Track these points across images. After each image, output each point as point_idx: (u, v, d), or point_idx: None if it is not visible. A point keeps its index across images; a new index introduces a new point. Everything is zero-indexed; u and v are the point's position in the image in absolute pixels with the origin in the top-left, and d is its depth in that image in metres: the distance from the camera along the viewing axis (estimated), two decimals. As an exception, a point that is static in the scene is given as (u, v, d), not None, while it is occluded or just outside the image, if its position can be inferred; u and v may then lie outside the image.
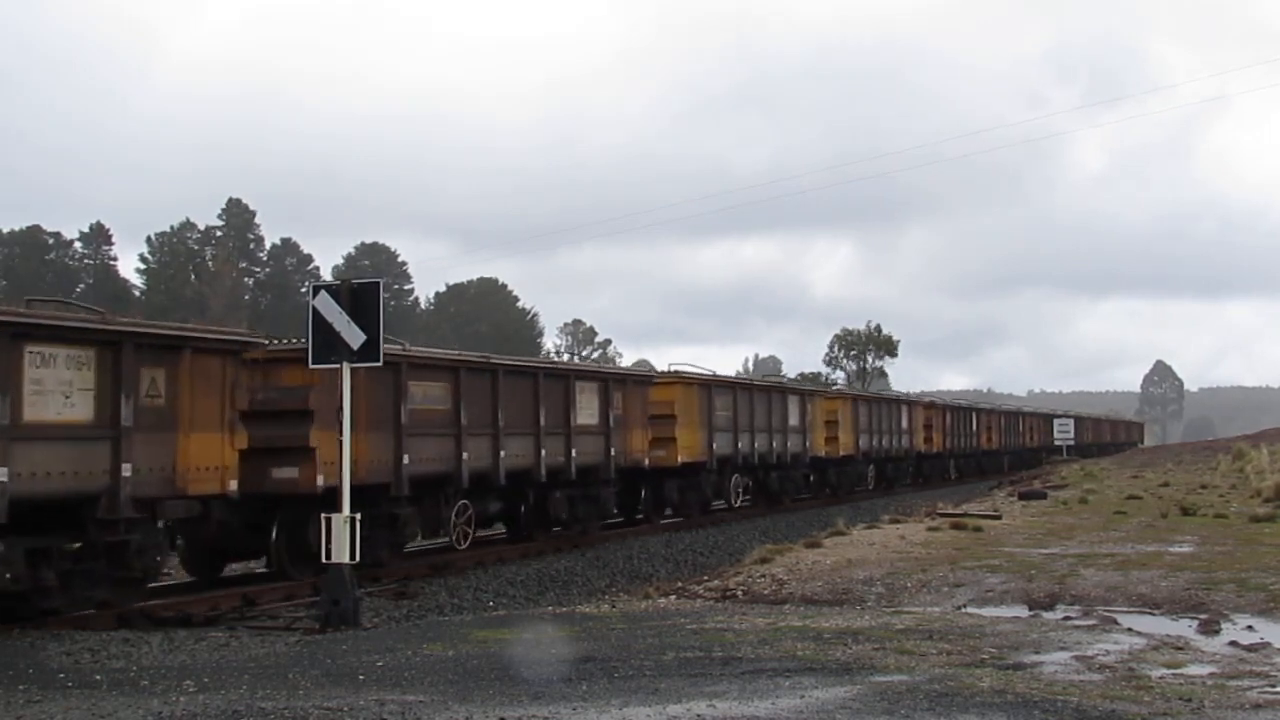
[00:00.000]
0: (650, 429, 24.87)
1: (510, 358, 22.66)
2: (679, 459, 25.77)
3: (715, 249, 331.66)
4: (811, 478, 35.47)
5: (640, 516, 26.05)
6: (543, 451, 20.55)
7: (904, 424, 43.32)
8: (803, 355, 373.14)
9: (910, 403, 46.25)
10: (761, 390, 31.36)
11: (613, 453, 22.94)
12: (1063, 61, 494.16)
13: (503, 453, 19.48)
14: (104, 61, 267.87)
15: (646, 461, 24.53)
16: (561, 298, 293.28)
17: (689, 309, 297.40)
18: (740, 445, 28.92)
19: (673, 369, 27.79)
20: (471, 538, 19.48)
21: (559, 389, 21.38)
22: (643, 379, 26.14)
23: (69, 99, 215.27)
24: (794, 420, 32.77)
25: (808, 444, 33.62)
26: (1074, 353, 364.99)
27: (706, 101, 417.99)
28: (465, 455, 18.43)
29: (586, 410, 22.21)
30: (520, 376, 20.44)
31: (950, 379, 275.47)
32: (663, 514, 26.74)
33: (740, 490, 30.33)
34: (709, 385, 27.73)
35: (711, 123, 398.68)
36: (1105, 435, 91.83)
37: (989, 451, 56.14)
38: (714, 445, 27.37)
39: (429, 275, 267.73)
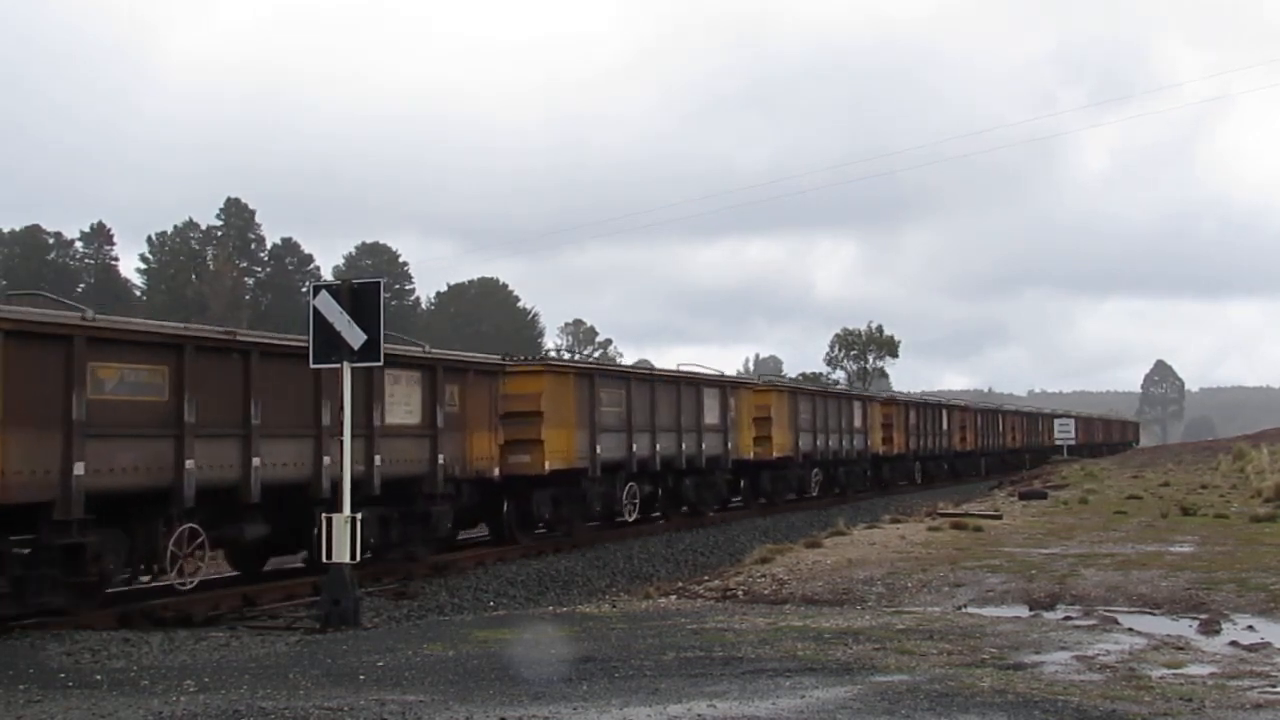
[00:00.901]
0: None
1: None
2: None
3: (718, 249, 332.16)
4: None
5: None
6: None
7: (857, 423, 38.21)
8: (804, 355, 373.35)
9: (865, 399, 41.34)
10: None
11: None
12: (1066, 62, 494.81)
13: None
14: (108, 61, 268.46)
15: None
16: (565, 298, 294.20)
17: (691, 309, 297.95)
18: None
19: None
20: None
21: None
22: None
23: (72, 98, 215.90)
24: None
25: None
26: (1075, 353, 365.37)
27: (711, 102, 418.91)
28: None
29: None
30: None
31: (951, 379, 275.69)
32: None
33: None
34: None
35: (716, 123, 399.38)
36: (1098, 435, 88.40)
37: (963, 453, 51.71)
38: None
39: (432, 275, 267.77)
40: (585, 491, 22.33)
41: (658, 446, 24.75)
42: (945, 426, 48.71)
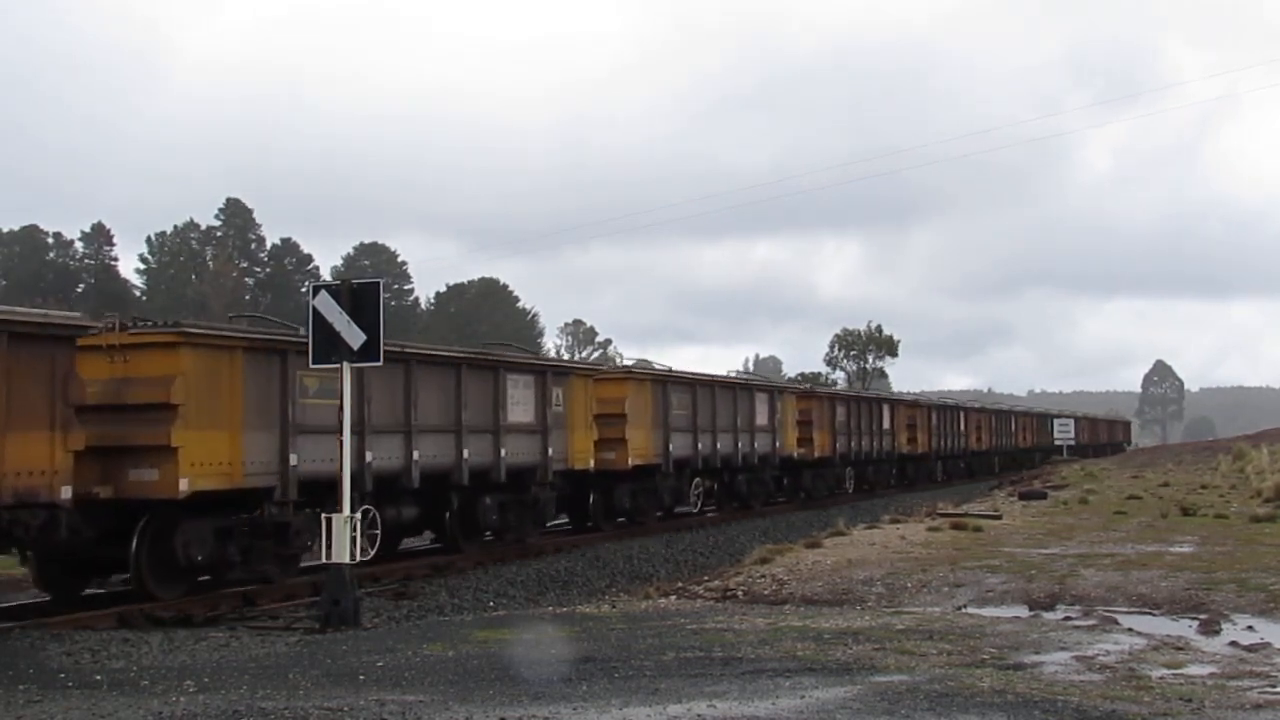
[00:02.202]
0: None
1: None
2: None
3: (721, 249, 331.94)
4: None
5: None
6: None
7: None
8: (805, 355, 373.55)
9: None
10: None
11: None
12: (1069, 63, 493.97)
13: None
14: (108, 61, 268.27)
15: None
16: (567, 298, 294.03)
17: (693, 309, 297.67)
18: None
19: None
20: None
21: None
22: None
23: (72, 97, 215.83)
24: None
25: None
26: (1076, 353, 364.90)
27: (717, 102, 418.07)
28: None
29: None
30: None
31: (952, 379, 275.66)
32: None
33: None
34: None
35: (720, 124, 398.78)
36: (1084, 435, 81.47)
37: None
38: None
39: (435, 275, 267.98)
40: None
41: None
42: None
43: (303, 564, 16.13)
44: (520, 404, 19.91)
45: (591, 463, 22.28)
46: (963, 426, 51.66)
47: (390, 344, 14.68)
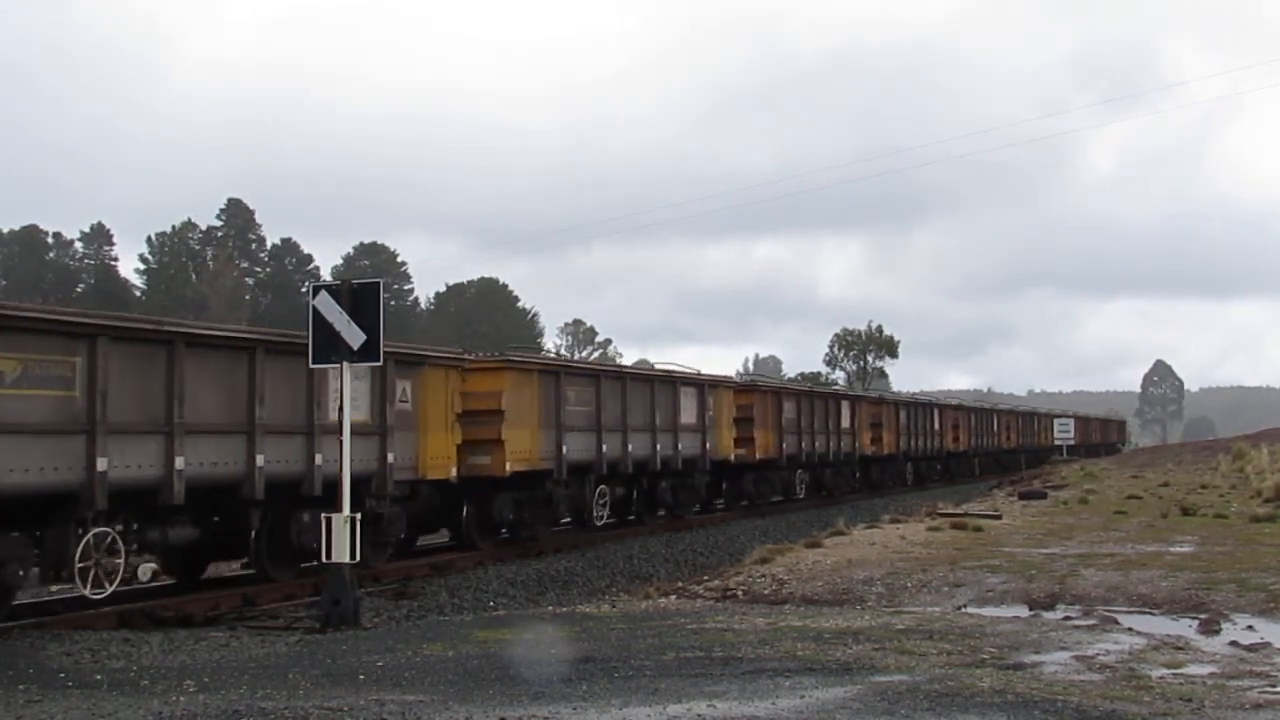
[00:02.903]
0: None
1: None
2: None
3: (723, 249, 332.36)
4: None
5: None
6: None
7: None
8: (806, 355, 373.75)
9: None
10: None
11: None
12: (1073, 63, 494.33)
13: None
14: (108, 61, 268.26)
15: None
16: (569, 298, 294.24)
17: (695, 309, 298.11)
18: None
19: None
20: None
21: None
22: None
23: (75, 97, 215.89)
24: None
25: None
26: (1077, 353, 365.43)
27: (722, 104, 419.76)
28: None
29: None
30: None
31: (954, 379, 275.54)
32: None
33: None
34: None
35: (724, 125, 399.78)
36: (1044, 436, 74.27)
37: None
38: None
39: (436, 275, 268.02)
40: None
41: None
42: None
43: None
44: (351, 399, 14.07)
45: (453, 470, 18.48)
46: (938, 425, 47.90)
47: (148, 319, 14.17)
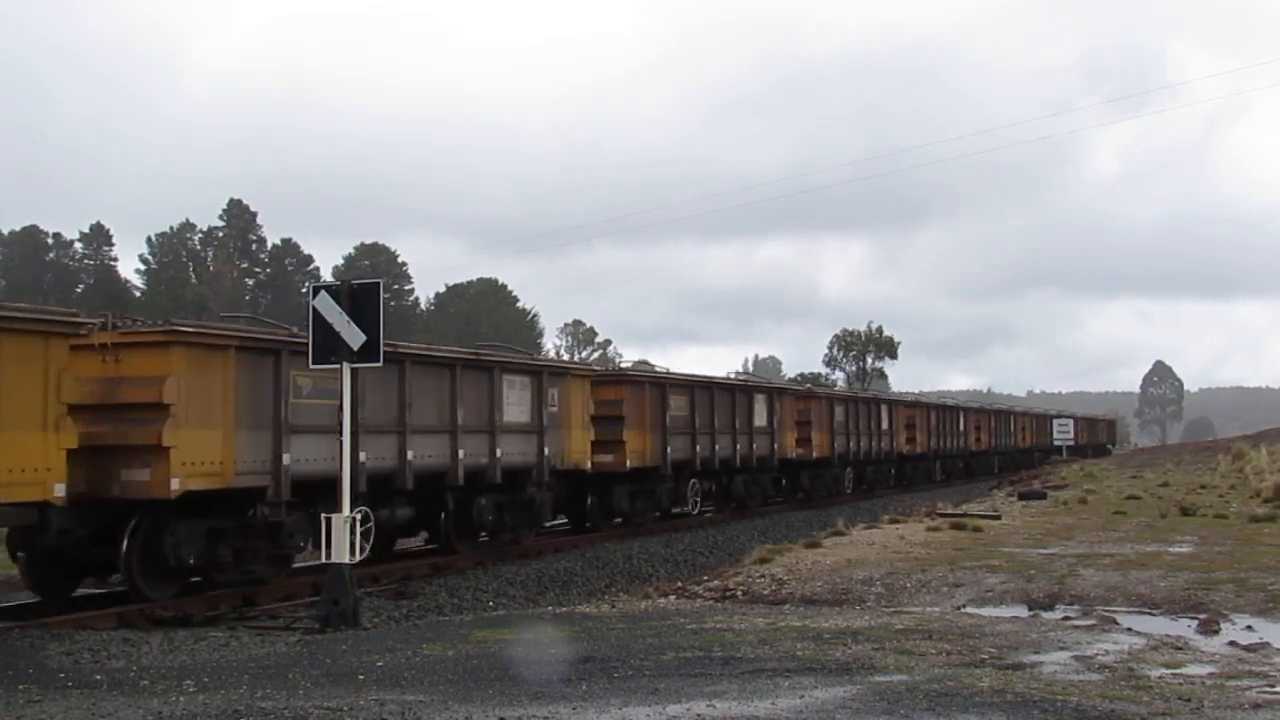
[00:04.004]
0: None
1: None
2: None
3: (725, 250, 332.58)
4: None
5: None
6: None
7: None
8: (808, 356, 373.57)
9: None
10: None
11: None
12: (1076, 64, 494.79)
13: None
14: (109, 61, 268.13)
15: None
16: (570, 299, 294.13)
17: (696, 310, 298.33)
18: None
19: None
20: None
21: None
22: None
23: (77, 97, 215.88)
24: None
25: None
26: (1077, 353, 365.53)
27: (727, 105, 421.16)
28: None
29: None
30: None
31: (955, 379, 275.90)
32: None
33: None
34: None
35: (728, 126, 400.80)
36: (1024, 437, 70.56)
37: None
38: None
39: (438, 276, 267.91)
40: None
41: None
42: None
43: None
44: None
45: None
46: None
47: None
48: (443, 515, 18.71)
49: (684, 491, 26.90)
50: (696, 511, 27.26)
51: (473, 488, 18.82)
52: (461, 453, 18.22)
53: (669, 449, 25.44)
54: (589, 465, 22.38)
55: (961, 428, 51.10)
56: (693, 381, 27.42)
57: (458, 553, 18.96)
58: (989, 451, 55.78)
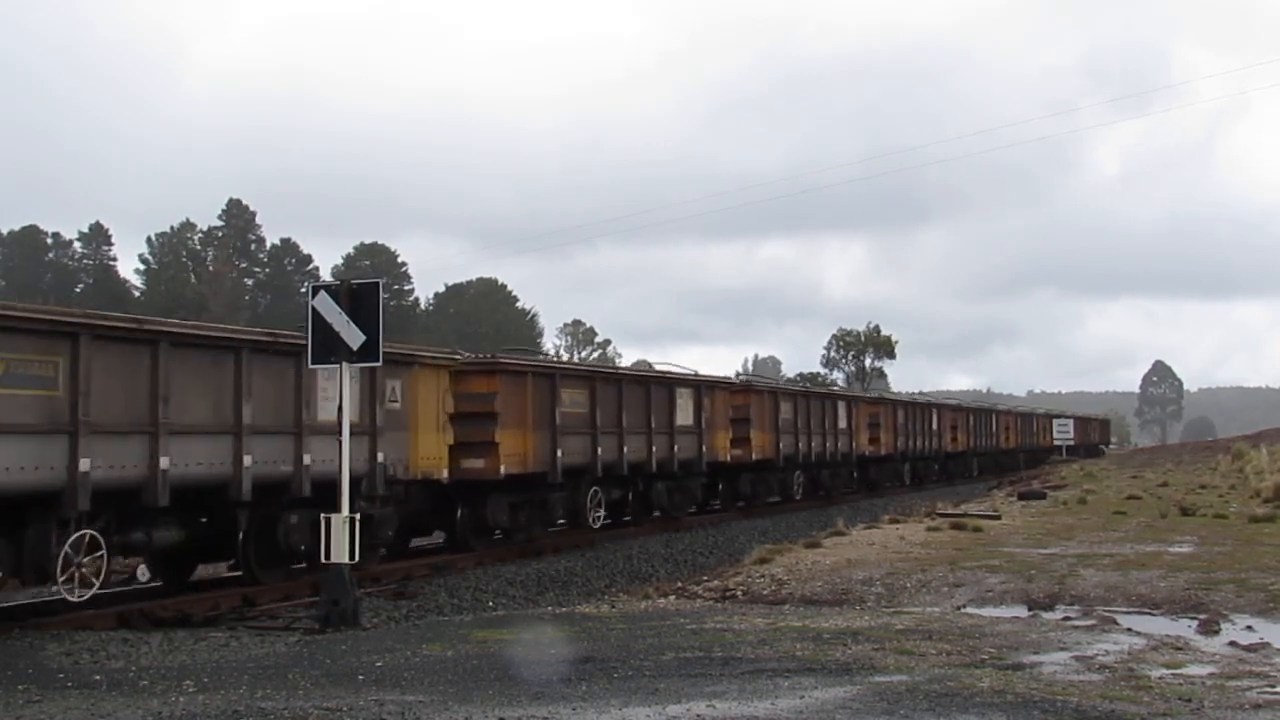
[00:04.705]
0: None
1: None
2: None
3: (726, 250, 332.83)
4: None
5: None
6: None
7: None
8: (807, 356, 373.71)
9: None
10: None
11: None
12: (1078, 65, 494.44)
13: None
14: (116, 62, 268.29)
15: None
16: (570, 299, 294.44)
17: (697, 310, 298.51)
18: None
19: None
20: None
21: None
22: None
23: (78, 97, 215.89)
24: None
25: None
26: (1078, 353, 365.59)
27: (728, 106, 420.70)
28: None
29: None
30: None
31: (957, 379, 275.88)
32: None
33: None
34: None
35: (729, 127, 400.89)
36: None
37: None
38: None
39: (438, 276, 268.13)
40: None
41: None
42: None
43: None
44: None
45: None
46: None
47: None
48: (240, 537, 15.11)
49: (584, 501, 22.53)
50: (598, 525, 22.86)
51: (275, 504, 15.08)
52: (249, 459, 14.16)
53: (560, 452, 20.94)
54: (445, 474, 18.10)
55: (935, 426, 46.83)
56: (593, 373, 23.59)
57: (260, 583, 15.39)
58: (967, 453, 51.86)
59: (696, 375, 27.88)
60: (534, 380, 20.68)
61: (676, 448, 25.56)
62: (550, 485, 21.26)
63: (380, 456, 16.46)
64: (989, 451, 55.41)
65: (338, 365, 12.83)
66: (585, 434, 22.09)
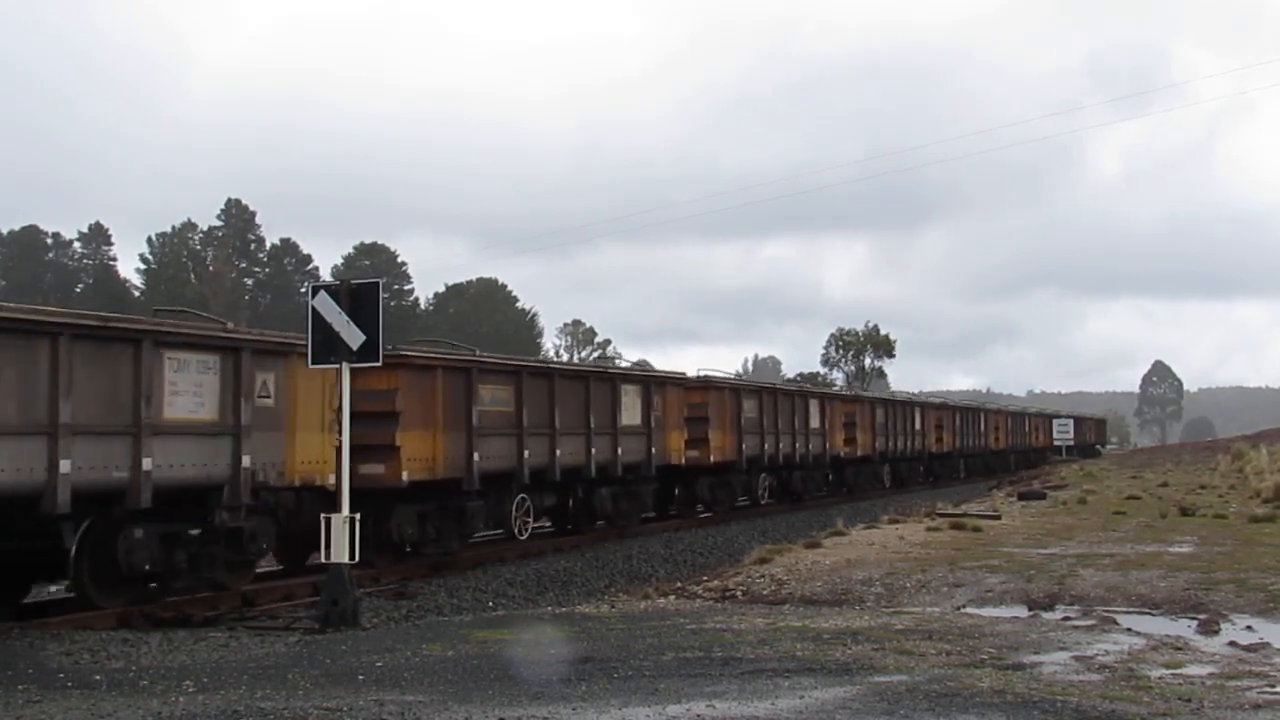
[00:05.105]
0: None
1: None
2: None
3: (728, 250, 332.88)
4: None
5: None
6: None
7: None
8: (808, 356, 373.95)
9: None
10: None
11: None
12: (1078, 65, 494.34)
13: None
14: (118, 62, 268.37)
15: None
16: (571, 299, 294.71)
17: (700, 310, 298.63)
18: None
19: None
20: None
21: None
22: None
23: (80, 97, 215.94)
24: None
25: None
26: (1078, 353, 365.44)
27: (731, 106, 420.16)
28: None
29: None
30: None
31: (955, 379, 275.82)
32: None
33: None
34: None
35: (734, 127, 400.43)
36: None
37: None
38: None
39: (438, 276, 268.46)
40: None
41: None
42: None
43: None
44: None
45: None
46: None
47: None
48: (73, 554, 13.02)
49: (509, 510, 20.33)
50: (525, 536, 20.75)
51: (110, 517, 13.04)
52: (67, 465, 11.95)
53: (477, 455, 18.63)
54: (333, 480, 15.11)
55: (918, 426, 45.11)
56: (519, 367, 20.61)
57: (98, 607, 13.28)
58: (953, 454, 50.27)
59: (644, 371, 27.71)
60: (445, 375, 18.18)
61: (620, 450, 23.06)
62: (467, 493, 18.71)
63: (246, 460, 14.03)
64: (977, 452, 54.07)
65: (337, 365, 12.83)
66: (509, 435, 19.58)
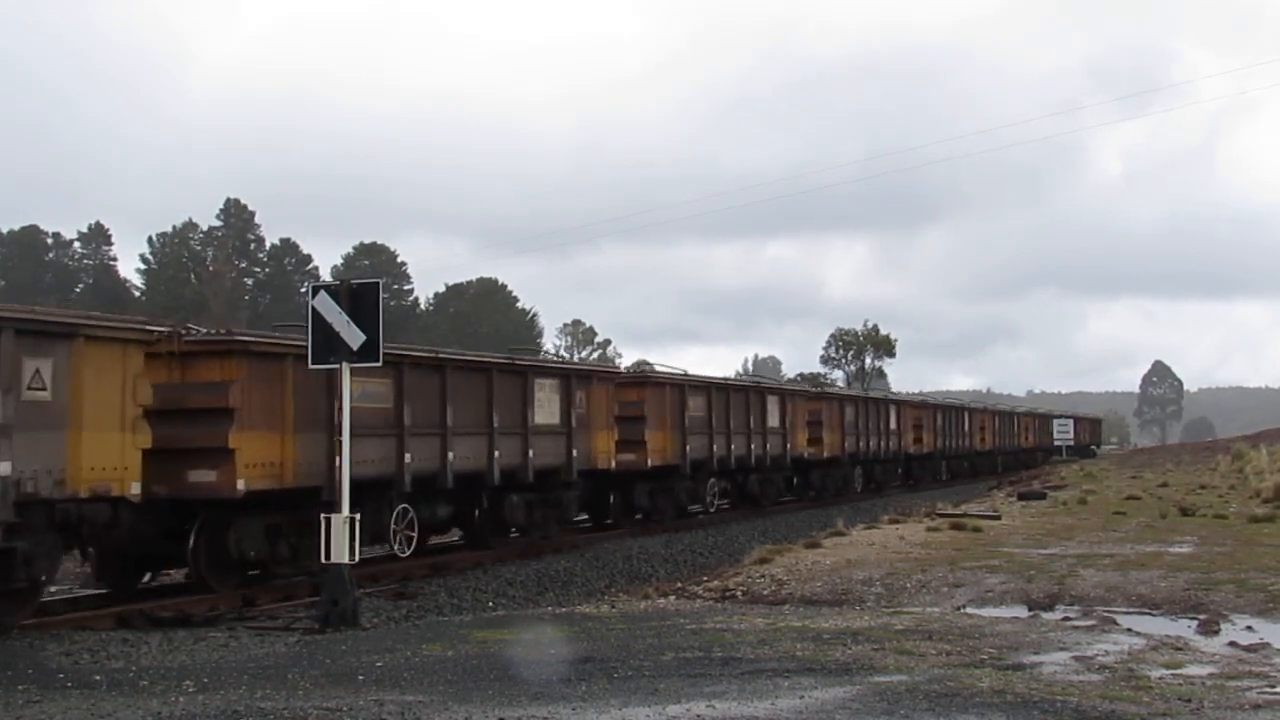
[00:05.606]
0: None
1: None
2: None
3: (729, 250, 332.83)
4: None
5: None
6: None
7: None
8: (808, 356, 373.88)
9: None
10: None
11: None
12: (1078, 65, 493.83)
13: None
14: (111, 60, 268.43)
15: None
16: (573, 299, 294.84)
17: (701, 310, 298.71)
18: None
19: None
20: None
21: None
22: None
23: (80, 96, 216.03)
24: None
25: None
26: (1078, 353, 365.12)
27: (731, 106, 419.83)
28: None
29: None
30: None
31: (954, 379, 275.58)
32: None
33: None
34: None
35: (734, 127, 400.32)
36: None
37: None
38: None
39: (438, 276, 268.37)
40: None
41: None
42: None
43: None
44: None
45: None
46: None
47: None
48: None
49: (386, 522, 17.60)
50: (407, 554, 18.15)
51: None
52: None
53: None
54: (137, 490, 12.81)
55: (893, 426, 42.60)
56: (400, 357, 17.63)
57: None
58: (934, 455, 47.61)
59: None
60: (296, 366, 14.98)
61: (533, 452, 20.60)
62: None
63: (5, 468, 11.42)
64: (961, 454, 51.37)
65: (336, 365, 12.83)
66: (386, 436, 17.16)
